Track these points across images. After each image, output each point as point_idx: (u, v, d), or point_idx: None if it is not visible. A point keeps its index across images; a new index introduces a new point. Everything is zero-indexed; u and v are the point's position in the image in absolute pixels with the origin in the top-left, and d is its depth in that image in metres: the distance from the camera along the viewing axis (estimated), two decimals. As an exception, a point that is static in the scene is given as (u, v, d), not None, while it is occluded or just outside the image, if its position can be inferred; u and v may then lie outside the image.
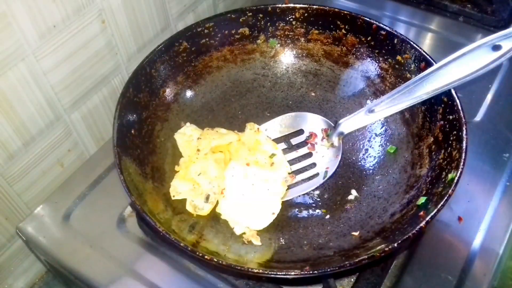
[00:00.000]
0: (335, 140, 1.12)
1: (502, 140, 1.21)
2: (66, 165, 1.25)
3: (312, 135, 1.15)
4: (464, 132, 0.93)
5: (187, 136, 1.13)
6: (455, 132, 0.96)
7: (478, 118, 1.26)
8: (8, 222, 1.17)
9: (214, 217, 1.03)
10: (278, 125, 1.18)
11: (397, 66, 1.13)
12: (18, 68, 1.01)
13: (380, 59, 1.16)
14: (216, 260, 0.83)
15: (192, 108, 1.22)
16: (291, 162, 1.12)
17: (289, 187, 1.08)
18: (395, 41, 1.11)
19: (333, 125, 1.14)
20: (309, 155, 1.14)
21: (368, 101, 1.17)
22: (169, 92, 1.20)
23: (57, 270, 1.12)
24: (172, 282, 1.02)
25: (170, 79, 1.20)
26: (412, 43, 1.09)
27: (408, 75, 1.10)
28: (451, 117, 0.98)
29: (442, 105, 1.01)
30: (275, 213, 1.02)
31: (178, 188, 1.05)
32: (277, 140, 1.16)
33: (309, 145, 1.14)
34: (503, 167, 1.16)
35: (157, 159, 1.12)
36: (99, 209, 1.14)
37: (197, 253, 0.84)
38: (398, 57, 1.12)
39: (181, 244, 0.85)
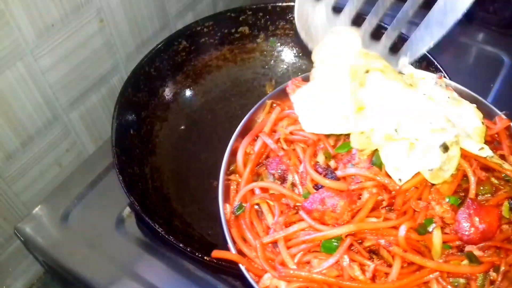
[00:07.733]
0: None
1: (504, 140, 1.20)
2: (64, 165, 1.25)
3: None
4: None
5: None
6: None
7: (479, 117, 1.25)
8: (6, 222, 1.16)
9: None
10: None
11: (398, 65, 1.12)
12: (16, 67, 1.00)
13: (381, 58, 1.15)
14: (215, 261, 0.83)
15: (192, 108, 1.21)
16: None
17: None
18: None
19: None
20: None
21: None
22: (168, 92, 1.19)
23: (55, 271, 1.12)
24: (171, 283, 1.01)
25: (169, 79, 1.19)
26: (413, 42, 1.07)
27: (410, 75, 1.09)
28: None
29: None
30: None
31: None
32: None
33: None
34: (505, 167, 1.15)
35: (156, 159, 1.11)
36: (97, 210, 1.13)
37: (197, 254, 0.84)
38: (399, 56, 1.11)
39: (180, 245, 0.85)
